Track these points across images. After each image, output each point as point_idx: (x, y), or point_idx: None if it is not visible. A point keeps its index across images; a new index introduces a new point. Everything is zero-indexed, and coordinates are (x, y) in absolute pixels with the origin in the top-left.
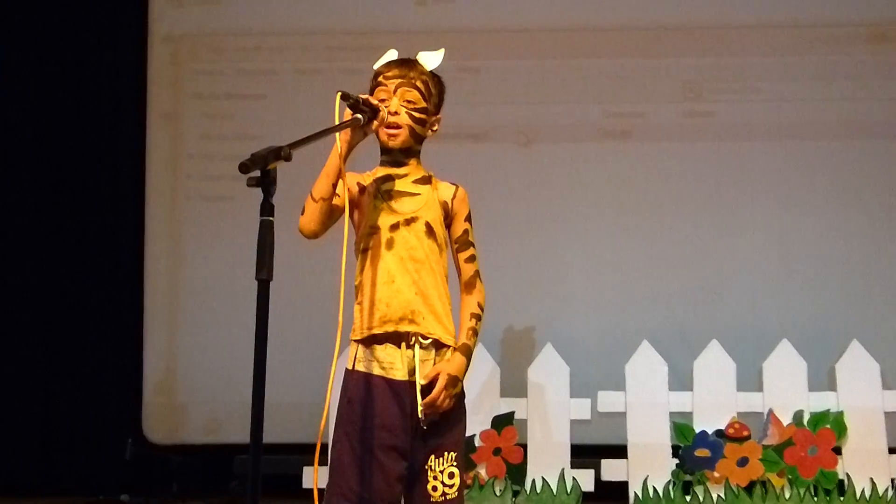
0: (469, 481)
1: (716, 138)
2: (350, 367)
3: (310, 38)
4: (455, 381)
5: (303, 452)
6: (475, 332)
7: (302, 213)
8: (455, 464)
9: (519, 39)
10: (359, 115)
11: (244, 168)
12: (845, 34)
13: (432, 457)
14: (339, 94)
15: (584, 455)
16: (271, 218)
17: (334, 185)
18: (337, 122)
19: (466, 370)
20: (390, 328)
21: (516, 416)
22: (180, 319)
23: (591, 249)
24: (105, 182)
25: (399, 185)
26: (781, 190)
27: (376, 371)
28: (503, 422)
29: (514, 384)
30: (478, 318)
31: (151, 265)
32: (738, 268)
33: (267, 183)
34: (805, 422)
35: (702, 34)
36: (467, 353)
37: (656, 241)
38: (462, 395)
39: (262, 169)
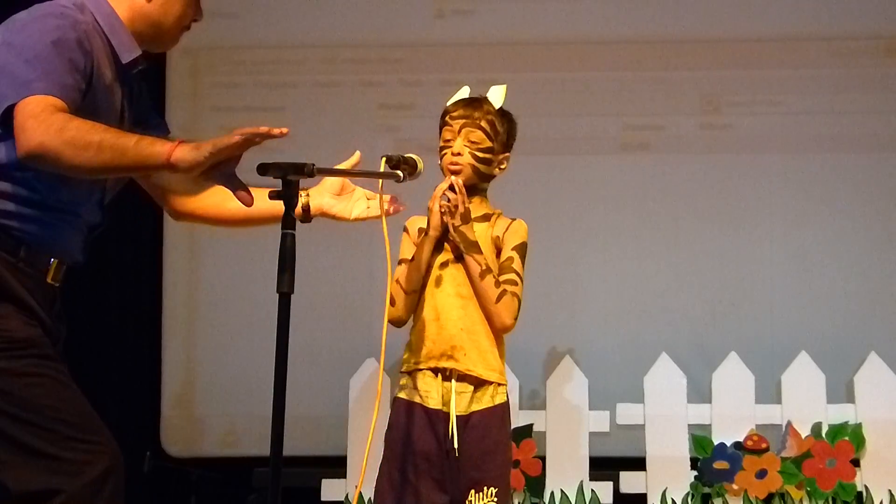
0: None
1: (734, 151)
2: (397, 395)
3: (329, 51)
4: (467, 217)
5: (322, 465)
6: (496, 282)
7: (391, 304)
8: (496, 500)
9: (537, 52)
10: (398, 172)
11: (262, 169)
12: (863, 47)
13: (472, 491)
14: (384, 158)
15: (603, 467)
16: (293, 231)
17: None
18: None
19: (468, 245)
20: (432, 364)
21: (535, 429)
22: (198, 332)
23: (609, 262)
24: (123, 194)
25: None
26: (800, 202)
27: (416, 399)
28: (522, 434)
29: (532, 397)
30: (497, 283)
31: (169, 277)
32: (757, 280)
33: (289, 195)
34: (823, 434)
35: (720, 47)
36: (476, 248)
37: (675, 254)
38: (507, 429)
39: (285, 181)
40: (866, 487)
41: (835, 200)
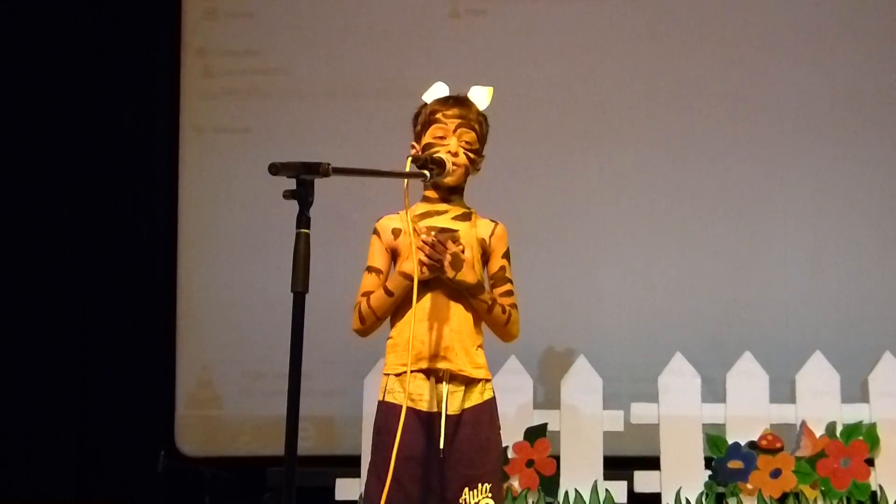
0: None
1: (748, 149)
2: (381, 399)
3: (342, 51)
4: (458, 264)
5: (336, 465)
6: (503, 308)
7: (361, 322)
8: (490, 495)
9: (550, 50)
10: (426, 172)
11: (273, 169)
12: (879, 41)
13: (466, 489)
14: (410, 158)
15: (617, 467)
16: (307, 230)
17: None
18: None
19: (471, 289)
20: (423, 365)
21: (549, 428)
22: (212, 331)
23: (623, 262)
24: (139, 193)
25: (437, 222)
26: (814, 201)
27: (405, 403)
28: (536, 434)
29: (547, 396)
30: (503, 310)
31: (184, 277)
32: (771, 279)
33: (303, 195)
34: (838, 433)
35: (730, 45)
36: (480, 288)
37: (689, 253)
38: (497, 424)
39: (299, 180)
40: (881, 487)
41: (850, 200)
